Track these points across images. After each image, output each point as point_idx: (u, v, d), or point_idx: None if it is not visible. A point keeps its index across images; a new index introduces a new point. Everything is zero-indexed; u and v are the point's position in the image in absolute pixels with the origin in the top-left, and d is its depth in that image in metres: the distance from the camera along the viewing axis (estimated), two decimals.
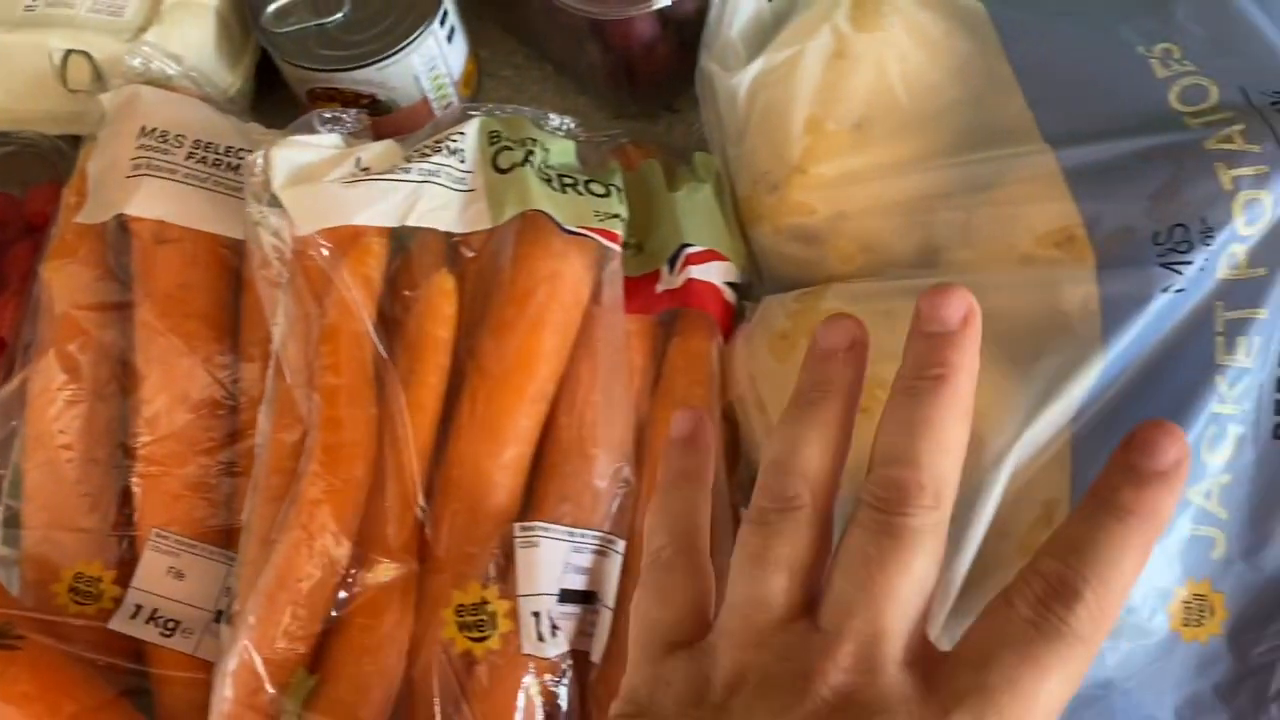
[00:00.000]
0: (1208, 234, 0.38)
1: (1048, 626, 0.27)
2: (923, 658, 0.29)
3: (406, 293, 0.42)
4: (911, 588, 0.29)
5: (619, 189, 0.47)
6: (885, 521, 0.29)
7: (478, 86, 0.58)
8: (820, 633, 0.28)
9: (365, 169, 0.43)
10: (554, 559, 0.40)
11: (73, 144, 0.51)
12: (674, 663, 0.30)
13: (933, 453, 0.29)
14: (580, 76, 0.57)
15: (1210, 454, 0.39)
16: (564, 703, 0.39)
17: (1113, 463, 0.29)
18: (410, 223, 0.42)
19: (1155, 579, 0.38)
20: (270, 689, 0.37)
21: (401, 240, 0.45)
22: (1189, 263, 0.39)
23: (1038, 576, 0.28)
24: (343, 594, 0.39)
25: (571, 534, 0.40)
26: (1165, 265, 0.39)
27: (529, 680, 0.38)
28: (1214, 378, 0.38)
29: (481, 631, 0.38)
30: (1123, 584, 0.28)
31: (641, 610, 0.33)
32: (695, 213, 0.47)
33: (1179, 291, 0.39)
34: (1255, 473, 0.39)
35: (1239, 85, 0.42)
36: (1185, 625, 0.39)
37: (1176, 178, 0.40)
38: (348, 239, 0.42)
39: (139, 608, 0.43)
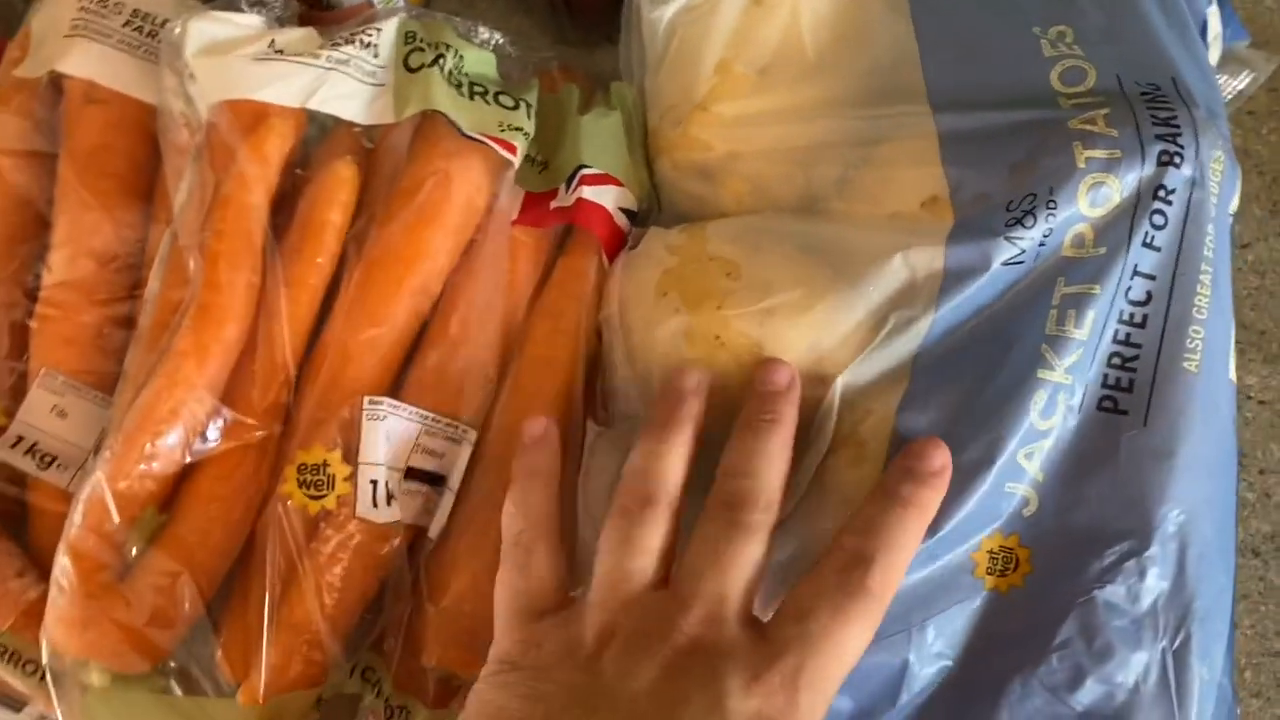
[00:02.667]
0: (1052, 205, 0.40)
1: (850, 586, 0.35)
2: (753, 620, 0.36)
3: (298, 171, 0.44)
4: (748, 565, 0.36)
5: (530, 105, 0.49)
6: (731, 517, 0.37)
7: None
8: (676, 597, 0.36)
9: (279, 50, 0.45)
10: (402, 436, 0.42)
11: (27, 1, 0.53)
12: (543, 626, 0.37)
13: (767, 471, 0.38)
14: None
15: (1039, 419, 0.41)
16: (393, 569, 0.42)
17: (895, 465, 0.38)
18: (312, 105, 0.44)
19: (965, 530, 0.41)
20: (116, 519, 0.40)
21: (319, 129, 0.47)
22: (1031, 231, 0.40)
23: (840, 550, 0.36)
24: (202, 444, 0.42)
25: (425, 417, 0.43)
26: (1010, 237, 0.41)
27: (359, 541, 0.41)
28: (1042, 346, 0.40)
29: (319, 490, 0.41)
30: (904, 555, 0.37)
31: (507, 584, 0.39)
32: (597, 137, 0.49)
33: (1018, 263, 0.41)
34: (1075, 439, 0.41)
35: (1116, 73, 0.43)
36: (989, 574, 0.41)
37: (1037, 150, 0.42)
38: (254, 116, 0.44)
39: (20, 438, 0.45)
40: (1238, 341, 0.44)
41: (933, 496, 0.37)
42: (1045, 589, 0.41)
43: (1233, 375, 0.43)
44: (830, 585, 0.35)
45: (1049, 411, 0.41)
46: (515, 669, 0.36)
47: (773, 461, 0.38)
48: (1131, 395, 0.41)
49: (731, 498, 0.37)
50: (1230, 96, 0.52)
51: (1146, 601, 0.39)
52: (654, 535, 0.37)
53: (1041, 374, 0.40)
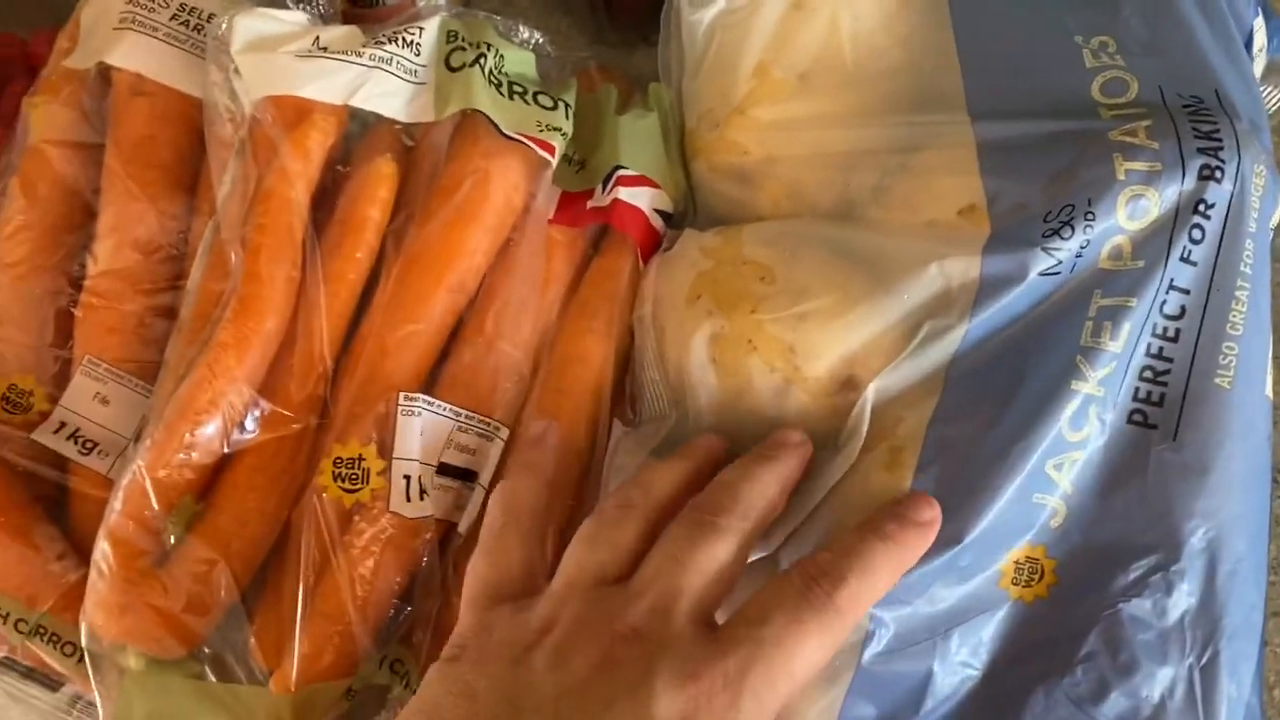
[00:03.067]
0: (1090, 217, 0.40)
1: (815, 597, 0.34)
2: (708, 622, 0.34)
3: (339, 168, 0.45)
4: (711, 565, 0.35)
5: (568, 105, 0.49)
6: (701, 518, 0.36)
7: None
8: (627, 589, 0.35)
9: (323, 47, 0.45)
10: (436, 432, 0.43)
11: None
12: (500, 612, 0.36)
13: (751, 490, 0.37)
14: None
15: (1070, 431, 0.41)
16: (424, 563, 0.42)
17: (883, 508, 0.38)
18: (355, 103, 0.45)
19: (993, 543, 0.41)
20: (155, 507, 0.41)
21: (360, 125, 0.47)
22: (1068, 242, 0.40)
23: (813, 562, 0.35)
24: (240, 435, 0.42)
25: (458, 413, 0.43)
26: (1047, 247, 0.40)
27: (391, 535, 0.41)
28: (1076, 358, 0.40)
29: (354, 484, 0.41)
30: (878, 583, 0.36)
31: (474, 568, 0.39)
32: (635, 138, 0.49)
33: (1054, 274, 0.41)
34: (1105, 454, 0.41)
35: (1158, 84, 0.43)
36: (1014, 584, 0.41)
37: (1076, 161, 0.41)
38: (297, 112, 0.45)
39: (63, 424, 0.46)
40: (1277, 357, 0.43)
41: (916, 540, 0.37)
42: (1070, 601, 0.41)
43: (1269, 392, 0.43)
44: (794, 592, 0.34)
45: (1080, 423, 0.41)
46: (463, 654, 0.35)
47: (761, 485, 0.37)
48: (1162, 410, 0.41)
49: (707, 502, 0.37)
50: (1275, 109, 0.51)
51: (1173, 616, 0.39)
52: (623, 535, 0.36)
53: (1075, 385, 0.40)
